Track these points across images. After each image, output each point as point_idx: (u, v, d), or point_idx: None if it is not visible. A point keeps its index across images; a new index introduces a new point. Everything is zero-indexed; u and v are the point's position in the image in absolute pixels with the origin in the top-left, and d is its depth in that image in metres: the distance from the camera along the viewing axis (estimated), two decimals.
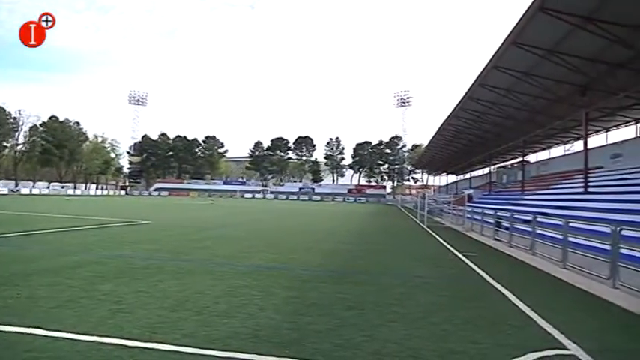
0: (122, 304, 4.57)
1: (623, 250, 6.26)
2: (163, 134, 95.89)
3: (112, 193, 74.73)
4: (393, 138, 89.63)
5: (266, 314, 4.40)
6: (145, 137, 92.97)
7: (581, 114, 17.55)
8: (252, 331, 3.84)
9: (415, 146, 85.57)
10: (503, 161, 42.05)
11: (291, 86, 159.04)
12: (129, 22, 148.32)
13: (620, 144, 23.23)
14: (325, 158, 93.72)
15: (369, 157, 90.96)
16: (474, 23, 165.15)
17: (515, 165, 38.26)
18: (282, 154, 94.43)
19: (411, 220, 24.14)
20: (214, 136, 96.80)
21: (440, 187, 74.25)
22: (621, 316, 4.97)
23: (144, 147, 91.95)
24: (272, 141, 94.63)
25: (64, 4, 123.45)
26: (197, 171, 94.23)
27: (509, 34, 13.08)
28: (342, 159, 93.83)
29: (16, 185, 60.80)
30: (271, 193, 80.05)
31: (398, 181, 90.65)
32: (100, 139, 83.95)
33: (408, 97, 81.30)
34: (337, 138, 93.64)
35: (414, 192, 74.85)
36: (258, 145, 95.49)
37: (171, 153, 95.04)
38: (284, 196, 76.12)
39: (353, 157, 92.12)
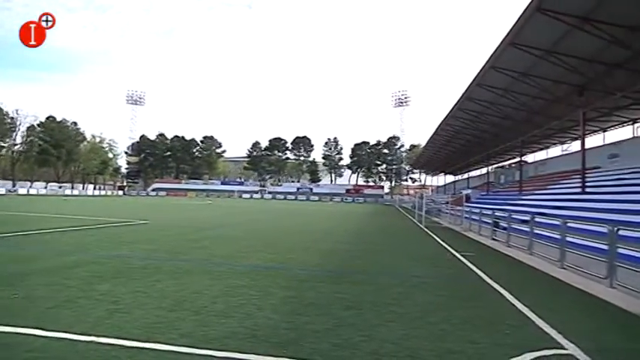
0: (120, 304, 4.56)
1: (620, 250, 6.29)
2: (161, 134, 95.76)
3: (109, 193, 74.42)
4: (390, 138, 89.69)
5: (264, 314, 4.40)
6: (142, 137, 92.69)
7: (579, 114, 17.62)
8: (249, 331, 3.83)
9: (413, 146, 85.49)
10: (501, 161, 42.17)
11: (289, 86, 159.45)
12: (126, 22, 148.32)
13: (618, 144, 23.32)
14: (323, 158, 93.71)
15: (366, 157, 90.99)
16: (472, 23, 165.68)
17: (513, 165, 38.40)
18: (280, 154, 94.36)
19: (409, 220, 24.16)
20: (212, 136, 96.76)
21: (438, 187, 74.28)
22: (619, 315, 4.98)
23: (141, 147, 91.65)
24: (270, 141, 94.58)
25: (61, 3, 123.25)
26: (195, 171, 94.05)
27: (507, 35, 13.13)
28: (340, 159, 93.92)
29: (14, 185, 60.59)
30: (269, 193, 79.93)
31: (396, 181, 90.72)
32: (97, 139, 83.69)
33: (405, 97, 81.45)
34: (335, 138, 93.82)
35: (411, 192, 74.87)
36: (256, 145, 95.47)
37: (169, 153, 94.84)
38: (282, 196, 76.02)
39: (351, 157, 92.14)
